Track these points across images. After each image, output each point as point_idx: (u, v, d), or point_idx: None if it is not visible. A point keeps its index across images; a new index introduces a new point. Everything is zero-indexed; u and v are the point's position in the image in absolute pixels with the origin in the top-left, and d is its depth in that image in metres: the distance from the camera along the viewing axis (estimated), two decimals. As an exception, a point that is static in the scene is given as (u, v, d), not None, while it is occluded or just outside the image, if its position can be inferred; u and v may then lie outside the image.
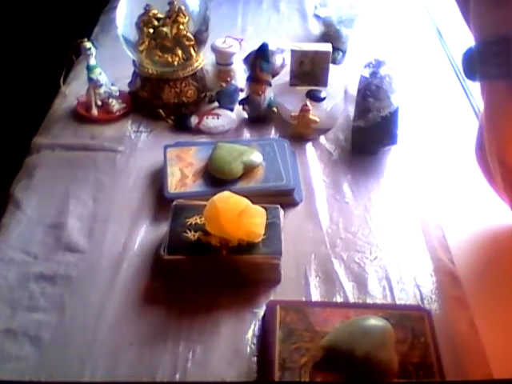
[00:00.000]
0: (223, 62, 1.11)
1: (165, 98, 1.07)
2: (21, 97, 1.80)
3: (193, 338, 0.70)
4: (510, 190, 0.72)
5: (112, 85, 1.08)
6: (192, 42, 1.05)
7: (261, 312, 0.73)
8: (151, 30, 1.04)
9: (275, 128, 1.06)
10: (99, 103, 1.07)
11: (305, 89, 1.08)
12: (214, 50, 1.11)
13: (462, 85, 1.17)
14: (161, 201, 0.88)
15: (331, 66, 1.10)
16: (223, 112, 1.07)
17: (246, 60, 1.18)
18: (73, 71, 1.21)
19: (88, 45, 1.03)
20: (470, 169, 0.88)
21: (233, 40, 1.11)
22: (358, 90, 1.03)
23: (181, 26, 1.04)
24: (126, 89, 1.11)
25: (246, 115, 1.08)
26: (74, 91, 1.13)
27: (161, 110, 1.07)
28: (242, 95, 1.08)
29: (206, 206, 0.76)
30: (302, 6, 1.49)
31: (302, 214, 0.88)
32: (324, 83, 1.10)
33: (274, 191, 0.88)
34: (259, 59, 1.03)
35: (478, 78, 0.72)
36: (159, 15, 1.04)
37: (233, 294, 0.75)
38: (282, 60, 1.19)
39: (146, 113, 1.08)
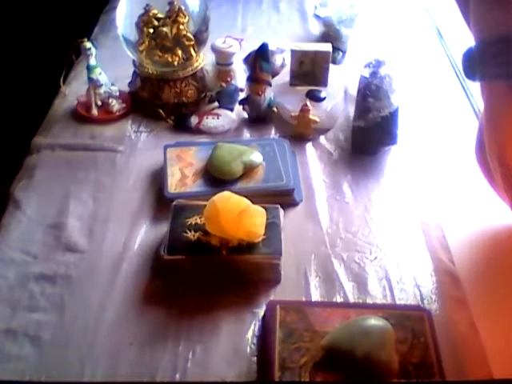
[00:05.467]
0: (223, 61, 1.11)
1: (165, 98, 1.07)
2: (21, 97, 1.80)
3: (193, 338, 0.70)
4: (510, 190, 0.72)
5: (112, 85, 1.08)
6: (192, 42, 1.05)
7: (261, 312, 0.73)
8: (151, 30, 1.04)
9: (275, 128, 1.06)
10: (99, 103, 1.07)
11: (305, 89, 1.08)
12: (214, 50, 1.11)
13: (462, 85, 1.17)
14: (161, 201, 0.88)
15: (331, 65, 1.10)
16: (223, 112, 1.07)
17: (246, 60, 1.18)
18: (73, 71, 1.21)
19: (88, 45, 1.02)
20: (470, 169, 0.88)
21: (233, 40, 1.11)
22: (358, 90, 1.03)
23: (181, 26, 1.04)
24: (126, 89, 1.11)
25: (246, 115, 1.08)
26: (73, 91, 1.13)
27: (161, 110, 1.07)
28: (242, 95, 1.08)
29: (205, 206, 0.76)
30: (302, 6, 1.49)
31: (301, 214, 0.88)
32: (324, 83, 1.10)
33: (274, 191, 0.88)
34: (259, 59, 1.03)
35: (478, 77, 0.72)
36: (159, 15, 1.04)
37: (233, 294, 0.75)
38: (282, 60, 1.19)
39: (145, 113, 1.08)
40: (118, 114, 1.07)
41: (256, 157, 0.91)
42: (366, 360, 0.62)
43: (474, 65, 0.72)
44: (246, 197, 0.77)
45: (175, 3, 1.03)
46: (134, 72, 1.10)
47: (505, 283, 0.78)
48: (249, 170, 0.90)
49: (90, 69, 1.04)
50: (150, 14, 1.03)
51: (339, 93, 1.09)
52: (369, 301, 0.76)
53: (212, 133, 1.04)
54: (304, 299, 0.76)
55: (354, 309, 0.72)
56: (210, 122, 1.05)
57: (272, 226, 0.79)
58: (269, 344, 0.67)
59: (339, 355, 0.64)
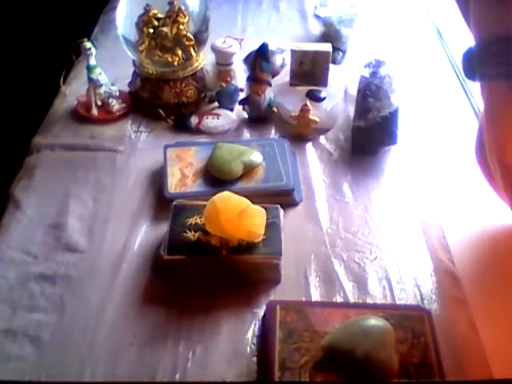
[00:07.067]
0: (223, 62, 1.11)
1: (165, 98, 1.07)
2: (21, 97, 1.80)
3: (193, 338, 0.70)
4: (510, 189, 0.72)
5: (112, 85, 1.08)
6: (192, 42, 1.05)
7: (261, 312, 0.73)
8: (151, 30, 1.04)
9: (275, 128, 1.06)
10: (99, 103, 1.07)
11: (305, 89, 1.08)
12: (214, 50, 1.11)
13: (462, 85, 1.17)
14: (161, 201, 0.88)
15: (331, 65, 1.10)
16: (223, 112, 1.07)
17: (246, 60, 1.18)
18: (73, 71, 1.21)
19: (88, 45, 1.02)
20: (470, 169, 0.88)
21: (233, 40, 1.11)
22: (358, 90, 1.03)
23: (181, 26, 1.04)
24: (126, 89, 1.11)
25: (246, 115, 1.08)
26: (73, 91, 1.13)
27: (161, 110, 1.07)
28: (242, 95, 1.08)
29: (205, 206, 0.76)
30: (302, 6, 1.49)
31: (301, 214, 0.88)
32: (324, 83, 1.10)
33: (274, 191, 0.88)
34: (259, 59, 1.03)
35: (478, 77, 0.72)
36: (159, 15, 1.04)
37: (233, 294, 0.75)
38: (282, 60, 1.19)
39: (145, 113, 1.08)
40: (117, 113, 1.07)
41: (256, 157, 0.91)
42: (366, 360, 0.62)
43: (474, 65, 0.72)
44: (246, 197, 0.77)
45: (175, 3, 1.03)
46: (134, 72, 1.10)
47: (505, 283, 0.78)
48: (249, 170, 0.90)
49: (90, 69, 1.04)
50: (150, 14, 1.03)
51: (339, 93, 1.09)
52: (369, 301, 0.76)
53: (212, 133, 1.04)
54: (304, 299, 0.76)
55: (354, 309, 0.72)
56: (210, 122, 1.05)
57: (272, 226, 0.79)
58: (269, 344, 0.67)
59: (339, 355, 0.64)
